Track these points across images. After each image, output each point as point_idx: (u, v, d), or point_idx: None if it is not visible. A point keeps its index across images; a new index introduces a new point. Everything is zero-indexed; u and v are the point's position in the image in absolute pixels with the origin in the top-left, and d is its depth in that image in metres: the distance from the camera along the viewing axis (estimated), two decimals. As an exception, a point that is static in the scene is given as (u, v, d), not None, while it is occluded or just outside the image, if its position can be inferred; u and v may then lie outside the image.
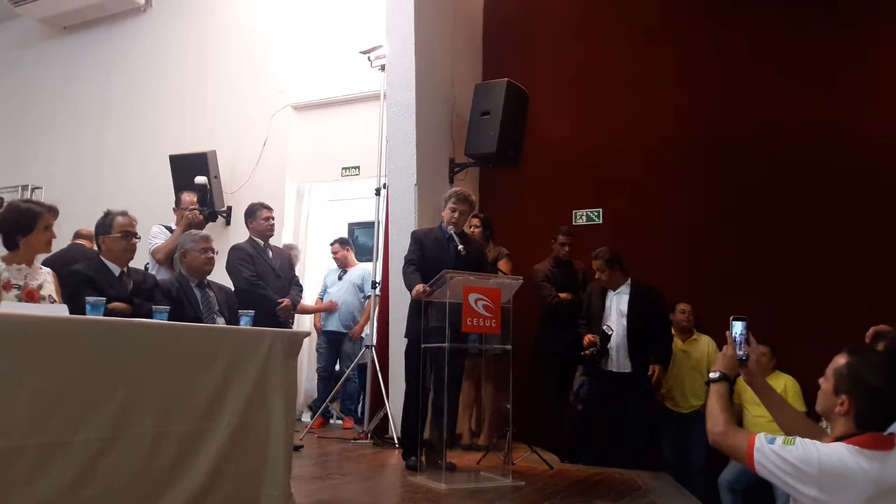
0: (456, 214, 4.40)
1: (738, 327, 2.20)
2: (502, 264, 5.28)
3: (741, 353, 2.17)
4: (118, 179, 7.94)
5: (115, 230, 3.65)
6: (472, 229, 5.30)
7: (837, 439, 1.88)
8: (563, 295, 5.31)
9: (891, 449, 1.81)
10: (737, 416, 4.62)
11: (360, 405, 6.54)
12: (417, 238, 4.52)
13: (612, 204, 5.92)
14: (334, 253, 6.67)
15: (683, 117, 5.70)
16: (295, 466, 3.10)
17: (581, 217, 5.99)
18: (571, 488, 3.97)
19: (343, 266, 6.68)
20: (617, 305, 4.93)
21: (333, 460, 4.69)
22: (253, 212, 5.15)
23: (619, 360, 4.86)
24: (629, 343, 4.83)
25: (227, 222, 7.23)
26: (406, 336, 4.43)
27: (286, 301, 4.95)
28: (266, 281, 4.95)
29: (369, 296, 6.44)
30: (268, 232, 5.12)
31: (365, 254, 7.67)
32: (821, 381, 2.01)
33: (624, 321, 4.86)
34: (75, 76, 8.83)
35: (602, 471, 4.55)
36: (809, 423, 2.24)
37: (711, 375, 2.16)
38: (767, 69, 5.46)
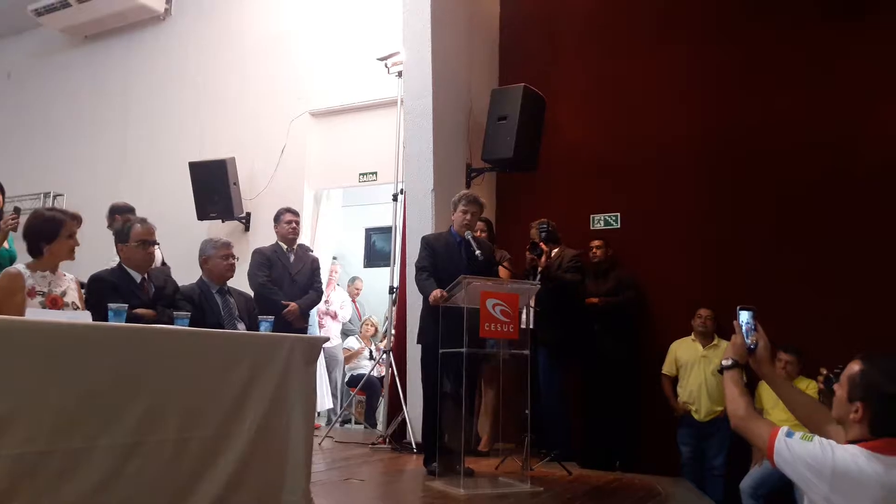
0: (468, 217, 4.37)
1: (744, 316, 2.22)
2: (502, 270, 5.16)
3: (749, 341, 2.18)
4: (138, 187, 8.00)
5: (133, 239, 3.62)
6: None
7: (852, 442, 1.88)
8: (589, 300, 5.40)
9: None
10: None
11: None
12: (428, 244, 4.45)
13: (630, 208, 5.88)
14: None
15: (702, 120, 5.66)
16: (314, 471, 3.12)
17: (599, 221, 5.97)
18: (590, 494, 3.96)
19: None
20: None
21: (352, 465, 4.71)
22: (277, 216, 5.34)
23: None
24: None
25: (246, 228, 7.28)
26: (419, 342, 4.42)
27: (292, 305, 5.01)
28: (281, 285, 5.01)
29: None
30: (289, 235, 5.21)
31: (382, 259, 7.70)
32: (835, 387, 2.01)
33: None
34: (96, 85, 8.94)
35: (621, 476, 4.53)
36: (820, 406, 2.24)
37: (724, 363, 2.17)
38: (789, 71, 5.40)
